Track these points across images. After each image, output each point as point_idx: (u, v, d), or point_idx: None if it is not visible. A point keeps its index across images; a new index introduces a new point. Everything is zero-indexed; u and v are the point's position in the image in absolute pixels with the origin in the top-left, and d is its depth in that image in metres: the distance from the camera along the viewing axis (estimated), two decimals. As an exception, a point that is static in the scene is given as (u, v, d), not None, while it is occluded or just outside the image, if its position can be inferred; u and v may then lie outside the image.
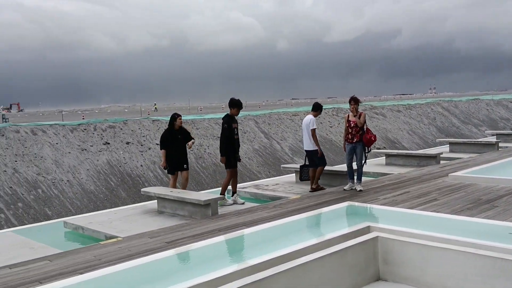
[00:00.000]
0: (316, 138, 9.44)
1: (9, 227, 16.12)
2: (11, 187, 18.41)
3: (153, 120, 27.99)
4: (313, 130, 9.38)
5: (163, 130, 9.88)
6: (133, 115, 42.26)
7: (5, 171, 19.12)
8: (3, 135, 21.21)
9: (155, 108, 64.77)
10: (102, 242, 6.52)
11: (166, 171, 9.68)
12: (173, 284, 4.44)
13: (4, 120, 33.62)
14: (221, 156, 8.69)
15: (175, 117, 9.41)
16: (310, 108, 10.09)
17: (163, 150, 9.20)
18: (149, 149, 24.64)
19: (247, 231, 6.31)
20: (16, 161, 19.94)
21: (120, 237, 6.70)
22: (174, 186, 9.27)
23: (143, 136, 25.61)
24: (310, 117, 9.54)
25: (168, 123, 9.68)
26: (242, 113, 36.85)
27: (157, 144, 25.14)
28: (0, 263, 5.65)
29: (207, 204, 7.56)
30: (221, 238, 5.98)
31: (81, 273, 5.07)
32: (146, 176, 22.69)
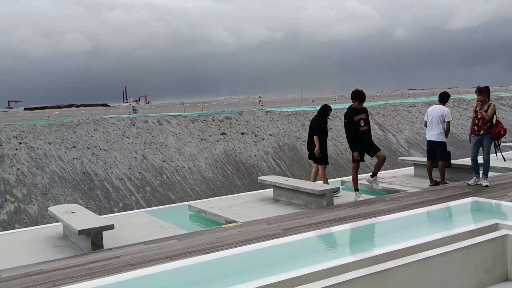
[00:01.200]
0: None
1: (138, 209, 17.71)
2: (140, 172, 20.15)
3: (266, 112, 28.65)
4: (449, 123, 8.99)
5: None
6: (247, 106, 43.63)
7: (136, 157, 20.96)
8: (134, 125, 23.26)
9: (259, 100, 66.03)
10: (223, 226, 6.91)
11: (309, 158, 9.24)
12: (292, 269, 4.57)
13: (134, 111, 36.78)
14: (352, 152, 8.45)
15: (329, 108, 9.15)
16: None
17: (316, 137, 8.77)
18: (263, 139, 25.30)
19: (364, 222, 6.25)
20: (144, 148, 21.76)
21: (239, 222, 7.04)
22: (316, 177, 9.05)
23: (257, 127, 26.34)
24: (444, 108, 9.10)
25: (318, 111, 9.19)
26: (355, 104, 36.18)
27: (270, 135, 25.71)
28: (137, 240, 6.28)
29: (322, 195, 7.62)
30: (337, 228, 6.00)
31: (206, 253, 5.44)
32: (259, 165, 23.35)
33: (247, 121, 26.76)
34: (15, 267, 5.32)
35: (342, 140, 27.28)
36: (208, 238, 6.12)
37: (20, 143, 19.68)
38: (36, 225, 15.65)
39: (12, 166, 18.11)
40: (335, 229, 5.98)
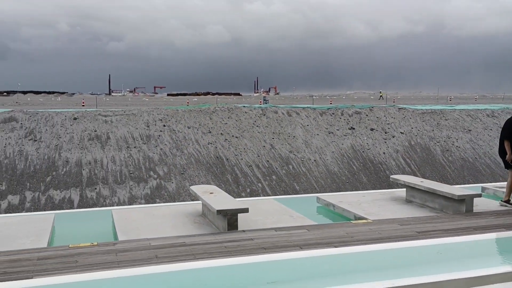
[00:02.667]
0: None
1: (264, 195, 18.32)
2: (268, 161, 20.79)
3: (399, 108, 27.55)
4: None
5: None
6: (379, 101, 42.32)
7: (264, 146, 21.66)
8: (264, 115, 24.02)
9: (381, 96, 63.29)
10: (353, 221, 6.88)
11: (504, 164, 8.24)
12: (427, 274, 4.42)
13: (265, 101, 37.95)
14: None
15: None
16: None
17: (507, 141, 7.96)
18: (393, 137, 24.41)
19: (508, 233, 5.77)
20: (273, 138, 22.38)
21: (369, 219, 6.95)
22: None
23: (388, 123, 25.47)
24: None
25: None
26: (499, 105, 32.94)
27: (401, 132, 24.71)
28: (268, 225, 6.55)
29: (461, 200, 7.16)
30: (478, 237, 5.63)
31: (335, 246, 5.48)
32: (388, 163, 22.60)
33: (377, 117, 26.02)
34: (162, 237, 5.90)
35: (481, 144, 25.18)
36: (338, 232, 6.14)
37: (164, 125, 21.52)
38: (173, 201, 17.06)
39: (156, 146, 19.91)
40: (475, 237, 5.62)
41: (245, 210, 6.27)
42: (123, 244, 5.60)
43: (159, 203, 16.56)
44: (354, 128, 24.64)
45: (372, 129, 24.84)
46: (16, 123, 19.31)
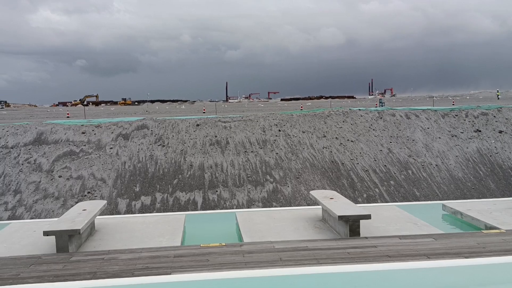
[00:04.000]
0: None
1: (382, 201, 17.82)
2: (385, 165, 20.20)
3: (534, 108, 25.03)
4: None
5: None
6: (507, 101, 38.83)
7: (381, 150, 21.07)
8: (381, 118, 23.38)
9: (498, 95, 57.19)
10: (484, 231, 6.45)
11: None
12: None
13: (381, 104, 36.87)
14: None
15: None
16: None
17: None
18: (527, 139, 22.25)
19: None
20: (390, 142, 21.68)
21: (502, 229, 6.46)
22: None
23: (521, 125, 23.28)
24: None
25: None
26: None
27: (537, 134, 22.43)
28: (391, 232, 6.42)
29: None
30: None
31: (466, 257, 5.20)
32: (521, 169, 20.65)
33: (506, 119, 23.91)
34: (284, 240, 6.09)
35: None
36: (467, 242, 5.82)
37: (279, 130, 21.99)
38: (289, 205, 17.36)
39: (272, 151, 20.42)
40: None
41: (367, 217, 6.22)
42: (248, 245, 5.88)
43: (275, 206, 16.96)
44: (480, 131, 22.92)
45: (500, 132, 22.88)
46: (147, 130, 21.11)
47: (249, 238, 6.35)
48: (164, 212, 16.18)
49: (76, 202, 16.71)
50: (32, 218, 15.69)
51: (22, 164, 18.19)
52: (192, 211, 15.98)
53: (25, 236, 6.73)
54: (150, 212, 16.41)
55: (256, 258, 5.31)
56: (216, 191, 17.85)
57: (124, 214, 16.00)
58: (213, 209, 16.41)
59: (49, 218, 15.28)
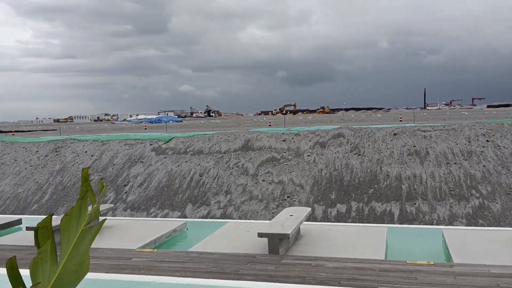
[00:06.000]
0: None
1: None
2: None
3: None
4: None
5: None
6: None
7: None
8: None
9: None
10: None
11: None
12: None
13: None
14: None
15: None
16: None
17: None
18: None
19: None
20: None
21: None
22: None
23: None
24: None
25: None
26: None
27: None
28: None
29: None
30: None
31: None
32: None
33: None
34: (502, 265, 5.55)
35: None
36: None
37: (487, 141, 19.97)
38: (497, 224, 15.62)
39: (478, 163, 18.67)
40: None
41: None
42: (459, 267, 5.53)
43: (482, 224, 15.45)
44: None
45: None
46: (343, 139, 21.42)
47: (459, 258, 5.97)
48: (359, 222, 16.20)
49: (277, 206, 17.89)
50: (239, 218, 17.34)
51: (232, 168, 20.27)
52: (389, 223, 15.65)
53: (240, 235, 7.52)
54: (345, 221, 16.58)
55: (470, 282, 4.96)
56: (414, 203, 17.10)
57: (320, 220, 16.51)
58: (411, 222, 15.79)
59: (254, 219, 16.69)
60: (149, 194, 19.56)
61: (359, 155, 20.23)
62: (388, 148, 20.40)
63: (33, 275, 0.98)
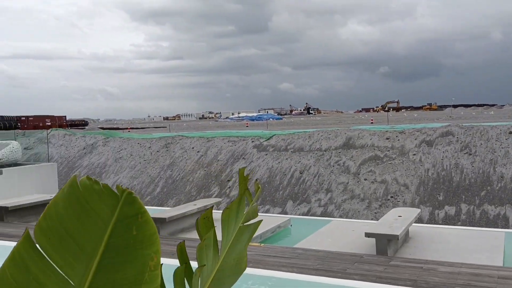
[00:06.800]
0: None
1: None
2: None
3: None
4: None
5: None
6: None
7: None
8: None
9: None
10: None
11: None
12: None
13: None
14: None
15: None
16: None
17: None
18: None
19: None
20: None
21: None
22: None
23: None
24: None
25: None
26: None
27: None
28: None
29: None
30: None
31: None
32: None
33: None
34: None
35: None
36: None
37: None
38: None
39: None
40: None
41: None
42: None
43: None
44: None
45: None
46: (453, 137, 20.25)
47: None
48: (469, 225, 15.25)
49: (380, 206, 17.44)
50: (340, 217, 17.17)
51: (333, 166, 20.11)
52: (503, 228, 14.54)
53: (345, 234, 7.49)
54: (454, 224, 15.70)
55: None
56: (534, 208, 15.70)
57: (427, 222, 15.80)
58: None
59: (355, 218, 16.44)
60: (251, 190, 20.12)
61: (470, 154, 19.02)
62: (502, 148, 18.94)
63: (199, 258, 1.12)
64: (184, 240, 1.13)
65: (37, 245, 0.93)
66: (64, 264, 0.91)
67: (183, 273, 1.04)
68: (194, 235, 6.95)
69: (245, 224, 1.21)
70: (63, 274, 0.91)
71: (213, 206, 1.22)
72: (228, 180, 20.95)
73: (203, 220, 1.14)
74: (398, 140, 21.06)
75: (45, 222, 0.95)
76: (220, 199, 12.08)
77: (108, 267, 0.91)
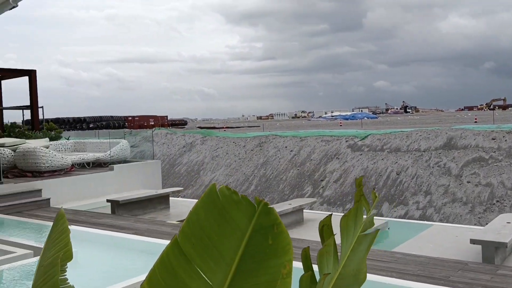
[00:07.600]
0: None
1: None
2: None
3: None
4: None
5: None
6: None
7: None
8: None
9: None
10: None
11: None
12: None
13: None
14: None
15: None
16: None
17: None
18: None
19: None
20: None
21: None
22: None
23: None
24: None
25: None
26: None
27: None
28: None
29: None
30: None
31: None
32: None
33: None
34: None
35: None
36: None
37: None
38: None
39: None
40: None
41: None
42: None
43: None
44: None
45: None
46: None
47: None
48: None
49: (484, 210, 16.39)
50: (440, 221, 16.38)
51: (433, 167, 19.21)
52: None
53: (448, 240, 7.17)
54: None
55: None
56: None
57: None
58: None
59: (457, 222, 15.60)
60: (345, 190, 19.87)
61: None
62: None
63: (320, 265, 1.19)
64: (308, 246, 1.22)
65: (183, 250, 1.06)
66: (207, 269, 1.03)
67: (309, 280, 1.13)
68: (291, 234, 7.09)
69: (363, 233, 1.26)
70: (206, 279, 1.03)
71: (331, 214, 1.29)
72: (322, 180, 20.88)
73: (325, 227, 1.21)
74: (505, 140, 19.60)
75: (188, 228, 1.09)
76: (314, 199, 12.10)
77: (244, 273, 1.02)
